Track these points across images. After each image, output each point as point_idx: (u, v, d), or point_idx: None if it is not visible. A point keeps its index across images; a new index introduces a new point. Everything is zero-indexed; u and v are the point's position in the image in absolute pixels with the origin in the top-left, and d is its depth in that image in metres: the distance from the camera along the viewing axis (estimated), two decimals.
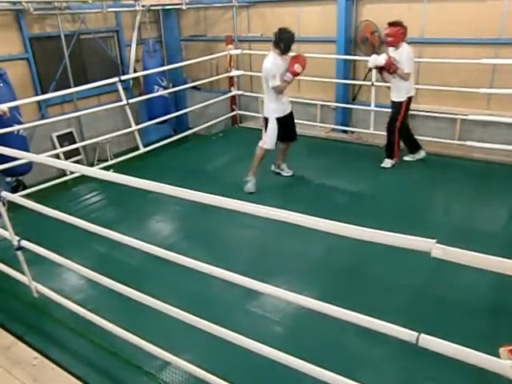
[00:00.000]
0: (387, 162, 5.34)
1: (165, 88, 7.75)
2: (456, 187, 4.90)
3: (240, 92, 7.58)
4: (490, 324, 2.92)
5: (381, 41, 6.31)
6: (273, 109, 4.80)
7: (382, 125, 5.57)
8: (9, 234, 2.81)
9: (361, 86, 6.87)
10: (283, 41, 4.58)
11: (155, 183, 2.00)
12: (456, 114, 5.79)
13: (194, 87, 8.05)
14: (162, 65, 7.69)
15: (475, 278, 3.18)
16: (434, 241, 1.41)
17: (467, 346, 1.47)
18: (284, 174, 5.33)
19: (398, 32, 4.83)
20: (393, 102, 5.12)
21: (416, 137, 5.47)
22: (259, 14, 7.62)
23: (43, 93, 6.76)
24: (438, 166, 5.28)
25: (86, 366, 2.70)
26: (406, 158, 5.45)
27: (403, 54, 4.87)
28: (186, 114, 8.08)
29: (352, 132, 6.78)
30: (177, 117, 7.92)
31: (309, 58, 7.00)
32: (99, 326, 2.65)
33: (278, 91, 4.68)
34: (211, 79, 7.61)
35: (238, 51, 7.26)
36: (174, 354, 2.40)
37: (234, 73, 7.29)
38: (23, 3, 6.26)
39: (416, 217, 4.30)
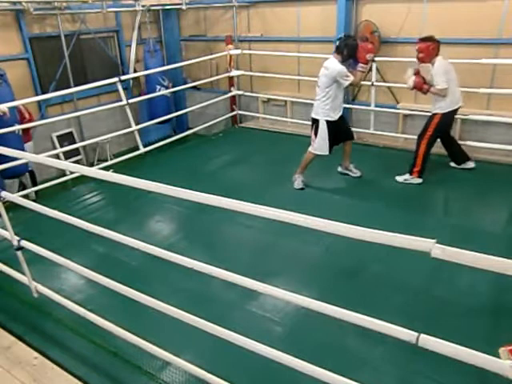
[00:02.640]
0: (401, 177, 5.03)
1: (166, 88, 7.76)
2: (456, 187, 4.90)
3: (240, 92, 7.58)
4: (490, 324, 2.92)
5: (381, 41, 6.31)
6: (325, 112, 4.72)
7: (382, 125, 5.58)
8: (9, 234, 2.81)
9: (361, 85, 6.87)
10: (347, 48, 4.54)
11: (155, 183, 2.00)
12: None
13: (194, 87, 8.05)
14: (163, 65, 7.70)
15: (475, 278, 3.19)
16: (434, 241, 1.41)
17: (467, 346, 1.47)
18: (352, 174, 5.22)
19: (429, 48, 4.59)
20: (431, 113, 4.90)
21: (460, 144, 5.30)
22: (259, 14, 7.62)
23: (43, 93, 6.76)
24: (438, 165, 5.27)
25: (86, 366, 2.70)
26: (452, 164, 5.33)
27: (436, 70, 4.61)
28: (185, 113, 8.08)
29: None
30: (177, 117, 7.92)
31: (309, 58, 7.02)
32: (99, 326, 2.65)
33: (355, 84, 4.79)
34: (211, 79, 7.60)
35: (238, 51, 7.26)
36: (174, 354, 2.40)
37: (234, 73, 7.30)
38: (23, 3, 6.26)
39: (416, 217, 4.30)
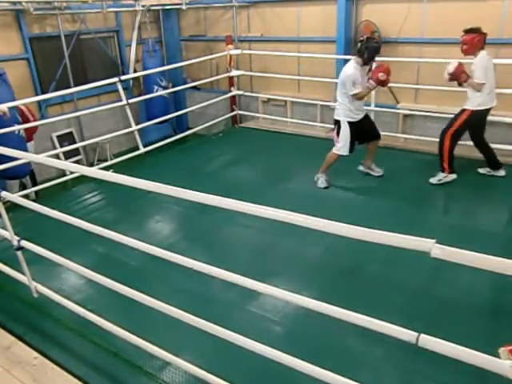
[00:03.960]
0: (435, 178, 4.90)
1: (164, 88, 7.76)
2: (456, 187, 4.89)
3: (240, 92, 7.58)
4: (490, 324, 2.92)
5: (381, 40, 6.31)
6: (345, 113, 4.72)
7: (382, 125, 5.57)
8: (9, 234, 2.81)
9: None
10: (368, 50, 4.49)
11: (155, 183, 2.00)
12: None
13: (194, 87, 8.05)
14: (162, 65, 7.71)
15: (475, 278, 3.19)
16: (434, 241, 1.41)
17: (467, 346, 1.47)
18: (374, 173, 5.19)
19: (474, 40, 4.45)
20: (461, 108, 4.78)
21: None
22: (259, 14, 7.62)
23: (43, 93, 6.77)
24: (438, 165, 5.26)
25: (86, 366, 2.70)
26: (481, 171, 5.18)
27: (477, 63, 4.52)
28: (185, 114, 8.09)
29: None
30: (177, 117, 7.93)
31: (309, 58, 7.02)
32: (99, 326, 2.65)
33: (358, 98, 4.61)
34: (211, 79, 7.61)
35: (238, 51, 7.26)
36: (174, 354, 2.40)
37: (234, 73, 7.30)
38: (23, 3, 6.27)
39: (416, 217, 4.30)
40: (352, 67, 4.56)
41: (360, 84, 4.57)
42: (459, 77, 4.60)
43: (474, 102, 4.64)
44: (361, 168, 5.30)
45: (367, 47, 4.50)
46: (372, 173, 5.23)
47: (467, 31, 4.52)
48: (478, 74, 4.52)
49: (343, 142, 4.81)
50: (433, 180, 4.91)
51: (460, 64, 4.63)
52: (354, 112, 4.73)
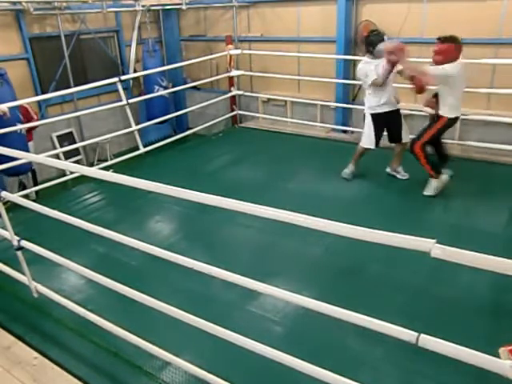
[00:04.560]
0: (430, 188, 4.59)
1: (165, 88, 7.75)
2: (456, 187, 4.89)
3: (240, 92, 7.58)
4: (490, 324, 2.92)
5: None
6: (368, 105, 4.80)
7: None
8: (9, 234, 2.81)
9: (361, 85, 6.87)
10: (366, 44, 4.60)
11: (155, 183, 2.00)
12: None
13: (194, 87, 8.05)
14: (162, 65, 7.70)
15: (475, 278, 3.19)
16: (434, 241, 1.41)
17: (467, 346, 1.47)
18: (399, 176, 5.06)
19: (450, 49, 4.12)
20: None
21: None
22: (259, 14, 7.62)
23: (43, 93, 6.76)
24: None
25: (86, 366, 2.70)
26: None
27: (446, 66, 4.16)
28: (185, 114, 8.09)
29: (352, 132, 6.78)
30: (177, 117, 7.93)
31: (309, 58, 7.02)
32: (99, 326, 2.65)
33: (379, 85, 4.54)
34: (211, 79, 7.61)
35: (238, 51, 7.26)
36: (174, 354, 2.40)
37: (234, 73, 7.30)
38: (23, 3, 6.27)
39: (416, 217, 4.30)
40: (361, 63, 4.71)
41: (377, 75, 4.53)
42: (397, 54, 4.17)
43: (446, 110, 4.40)
44: (388, 170, 5.22)
45: (368, 41, 4.60)
46: (397, 175, 5.11)
47: (443, 40, 4.19)
48: (435, 71, 4.17)
49: (367, 134, 4.87)
50: (428, 192, 4.60)
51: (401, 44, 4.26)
52: (377, 105, 4.73)
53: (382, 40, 4.59)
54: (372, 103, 4.76)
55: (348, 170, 5.14)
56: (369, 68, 4.60)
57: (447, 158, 4.88)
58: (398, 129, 4.91)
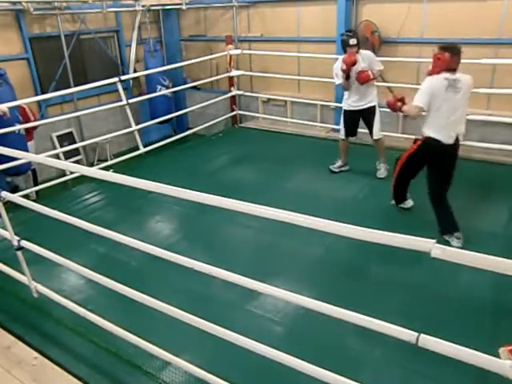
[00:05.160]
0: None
1: (167, 87, 7.76)
2: (455, 187, 4.89)
3: (240, 92, 7.58)
4: (490, 324, 2.92)
5: (381, 41, 6.31)
6: (344, 101, 5.17)
7: (383, 125, 5.54)
8: (9, 234, 2.81)
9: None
10: (343, 44, 4.82)
11: (155, 183, 2.00)
12: None
13: (194, 87, 8.05)
14: (163, 65, 7.70)
15: (475, 278, 3.19)
16: (434, 241, 1.41)
17: (467, 346, 1.47)
18: (377, 175, 5.20)
19: (443, 57, 3.86)
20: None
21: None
22: (259, 14, 7.62)
23: (43, 93, 6.76)
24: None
25: (86, 366, 2.70)
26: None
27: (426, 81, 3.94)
28: (185, 113, 8.09)
29: None
30: (177, 117, 7.92)
31: (309, 58, 7.01)
32: (99, 326, 2.65)
33: (343, 88, 5.00)
34: (211, 79, 7.61)
35: (238, 51, 7.26)
36: (173, 354, 2.40)
37: (234, 73, 7.30)
38: (23, 3, 6.27)
39: (415, 217, 4.29)
40: (337, 62, 4.96)
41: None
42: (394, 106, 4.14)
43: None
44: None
45: (341, 41, 4.88)
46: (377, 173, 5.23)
47: (440, 48, 3.94)
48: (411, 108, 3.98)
49: (341, 126, 5.28)
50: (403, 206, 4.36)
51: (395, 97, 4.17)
52: (345, 102, 5.14)
53: (346, 43, 4.78)
54: (346, 100, 5.12)
55: (336, 163, 5.39)
56: (338, 68, 4.88)
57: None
58: (369, 127, 5.16)
